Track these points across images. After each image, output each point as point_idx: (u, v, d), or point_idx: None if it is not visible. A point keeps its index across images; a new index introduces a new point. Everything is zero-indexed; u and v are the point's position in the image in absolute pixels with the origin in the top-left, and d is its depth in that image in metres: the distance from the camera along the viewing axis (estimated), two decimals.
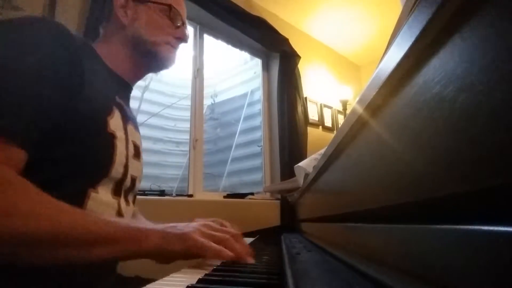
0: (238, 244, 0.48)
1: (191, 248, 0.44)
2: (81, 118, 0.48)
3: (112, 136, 0.53)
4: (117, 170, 0.54)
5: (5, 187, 0.37)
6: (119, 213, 0.56)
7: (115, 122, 0.55)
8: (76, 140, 0.48)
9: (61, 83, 0.45)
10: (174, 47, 0.67)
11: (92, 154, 0.50)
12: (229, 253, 0.45)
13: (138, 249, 0.43)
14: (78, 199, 0.48)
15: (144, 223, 0.47)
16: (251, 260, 0.46)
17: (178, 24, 0.67)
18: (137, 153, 0.63)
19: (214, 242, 0.45)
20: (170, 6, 0.65)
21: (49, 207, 0.40)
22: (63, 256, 0.40)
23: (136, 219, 0.74)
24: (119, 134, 0.55)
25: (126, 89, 0.65)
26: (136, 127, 0.66)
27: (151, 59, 0.65)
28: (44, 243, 0.38)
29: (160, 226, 0.46)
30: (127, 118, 0.60)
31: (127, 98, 0.65)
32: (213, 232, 0.47)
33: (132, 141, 0.61)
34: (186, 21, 0.70)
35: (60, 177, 0.46)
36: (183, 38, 0.68)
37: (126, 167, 0.57)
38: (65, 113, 0.46)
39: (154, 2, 0.64)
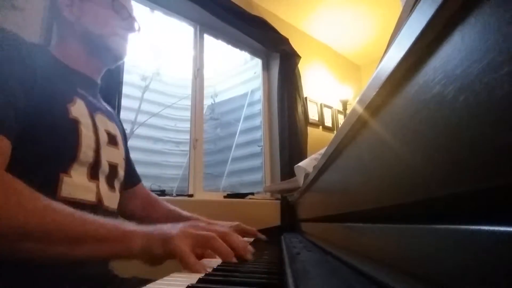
0: (224, 243, 0.46)
1: (168, 252, 0.43)
2: (41, 108, 0.51)
3: (75, 122, 0.55)
4: (86, 154, 0.56)
5: None
6: (98, 196, 0.58)
7: (78, 110, 0.57)
8: (40, 128, 0.50)
9: (19, 83, 0.48)
10: (123, 38, 0.69)
11: (57, 139, 0.52)
12: (202, 269, 0.42)
13: (124, 249, 0.44)
14: (51, 184, 0.50)
15: (132, 224, 0.48)
16: (234, 260, 0.45)
17: (124, 16, 0.69)
18: (113, 141, 0.66)
19: (198, 243, 0.45)
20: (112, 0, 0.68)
21: (37, 204, 0.41)
22: (50, 253, 0.41)
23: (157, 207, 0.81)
24: (84, 120, 0.57)
25: (88, 82, 0.67)
26: (110, 118, 0.69)
27: (102, 52, 0.67)
28: (31, 239, 0.40)
29: (146, 228, 0.46)
30: (95, 108, 0.63)
31: (92, 91, 0.67)
32: (197, 232, 0.46)
33: (105, 129, 0.64)
34: (133, 13, 0.72)
35: (30, 164, 0.48)
36: (130, 29, 0.70)
37: (97, 152, 0.59)
38: (26, 108, 0.48)
39: None
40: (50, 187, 0.50)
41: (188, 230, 0.46)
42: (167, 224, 0.48)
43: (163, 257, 0.44)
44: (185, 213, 0.83)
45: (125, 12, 0.69)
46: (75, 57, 0.64)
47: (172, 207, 0.83)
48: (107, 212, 0.60)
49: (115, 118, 0.74)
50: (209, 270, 0.40)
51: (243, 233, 0.77)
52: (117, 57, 0.69)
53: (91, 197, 0.56)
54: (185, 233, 0.45)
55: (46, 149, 0.51)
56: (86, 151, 0.56)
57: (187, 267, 0.42)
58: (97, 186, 0.58)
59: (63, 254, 0.42)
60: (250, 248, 0.50)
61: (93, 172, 0.58)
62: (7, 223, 0.38)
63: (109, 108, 0.73)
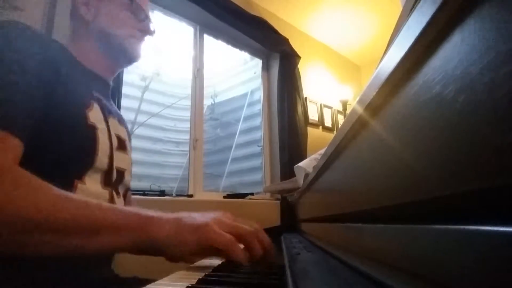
0: (259, 243, 0.45)
1: (204, 239, 0.40)
2: (60, 112, 0.49)
3: (93, 128, 0.54)
4: (101, 160, 0.55)
5: (3, 175, 0.37)
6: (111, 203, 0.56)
7: (95, 115, 0.56)
8: (58, 134, 0.49)
9: (39, 80, 0.47)
10: (139, 40, 0.68)
11: (75, 146, 0.51)
12: (242, 255, 0.40)
13: (148, 237, 0.40)
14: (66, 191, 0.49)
15: (154, 211, 0.45)
16: (257, 259, 0.44)
17: (141, 18, 0.68)
18: (123, 146, 0.65)
19: (235, 236, 0.42)
20: (131, 0, 0.66)
21: (47, 194, 0.39)
22: (67, 245, 0.38)
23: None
24: (100, 126, 0.56)
25: (103, 84, 0.66)
26: (120, 121, 0.68)
27: (118, 53, 0.66)
28: (43, 231, 0.37)
29: (173, 214, 0.44)
30: (108, 112, 0.62)
31: (106, 93, 0.66)
32: (233, 223, 0.43)
33: (115, 134, 0.62)
34: (150, 15, 0.71)
35: (46, 170, 0.46)
36: (147, 31, 0.69)
37: (111, 158, 0.58)
38: (46, 108, 0.47)
39: None
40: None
41: (222, 219, 0.43)
42: (193, 213, 0.45)
43: (193, 245, 0.40)
44: None
45: (142, 14, 0.68)
46: (90, 57, 0.63)
47: None
48: None
49: (124, 121, 0.73)
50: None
51: None
52: (132, 59, 0.68)
53: None
54: (219, 222, 0.42)
55: (63, 155, 0.49)
56: (102, 158, 0.55)
57: (233, 256, 0.40)
58: (110, 194, 0.57)
59: (79, 247, 0.39)
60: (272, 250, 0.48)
61: (107, 179, 0.57)
62: (16, 214, 0.36)
63: (118, 111, 0.72)
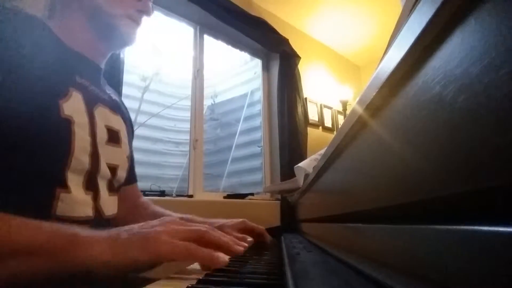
0: (221, 234, 0.42)
1: (157, 253, 0.35)
2: (28, 102, 0.42)
3: (67, 122, 0.46)
4: (79, 160, 0.47)
5: None
6: (96, 208, 0.51)
7: (72, 106, 0.48)
8: (26, 132, 0.41)
9: None
10: (136, 22, 0.60)
11: (45, 145, 0.43)
12: (208, 255, 0.37)
13: (72, 261, 0.33)
14: (45, 202, 0.43)
15: (87, 229, 0.38)
16: (239, 250, 0.41)
17: None
18: (114, 138, 0.58)
19: (190, 239, 0.38)
20: None
21: None
22: None
23: (149, 212, 0.70)
24: (79, 118, 0.48)
25: (91, 68, 0.58)
26: (114, 109, 0.60)
27: (110, 33, 0.58)
28: None
29: (108, 232, 0.37)
30: (96, 100, 0.55)
31: (95, 78, 0.59)
32: (185, 228, 0.39)
33: (105, 125, 0.55)
34: None
35: (20, 180, 0.41)
36: (145, 12, 0.61)
37: (94, 155, 0.51)
38: (7, 101, 0.40)
39: None
40: (44, 207, 0.43)
41: (171, 226, 0.39)
42: (134, 226, 0.40)
43: (144, 263, 0.35)
44: (176, 214, 0.69)
45: None
46: (78, 37, 0.55)
47: (161, 210, 0.72)
48: (107, 223, 0.53)
49: (121, 107, 0.65)
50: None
51: (249, 231, 0.65)
52: (126, 42, 0.60)
53: (88, 212, 0.49)
54: (171, 230, 0.38)
55: (33, 158, 0.42)
56: (80, 157, 0.47)
57: (198, 261, 0.37)
58: (93, 198, 0.51)
59: None
60: (246, 238, 0.46)
61: (90, 180, 0.50)
62: None
63: (114, 97, 0.64)
